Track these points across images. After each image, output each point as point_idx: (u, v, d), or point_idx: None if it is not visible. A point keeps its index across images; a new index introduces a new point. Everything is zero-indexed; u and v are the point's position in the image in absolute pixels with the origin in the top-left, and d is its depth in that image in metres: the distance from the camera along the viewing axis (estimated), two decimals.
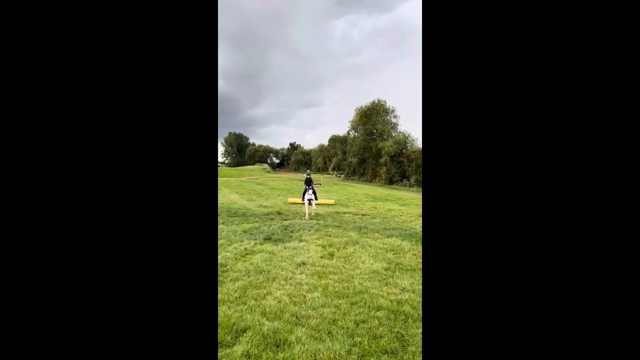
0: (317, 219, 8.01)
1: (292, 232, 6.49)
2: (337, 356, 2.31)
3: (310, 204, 8.61)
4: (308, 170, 10.76)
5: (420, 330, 2.68)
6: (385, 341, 2.51)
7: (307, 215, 8.37)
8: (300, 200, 12.86)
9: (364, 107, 31.88)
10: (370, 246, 5.39)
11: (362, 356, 2.32)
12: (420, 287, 3.68)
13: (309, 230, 6.63)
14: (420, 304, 3.18)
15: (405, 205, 11.38)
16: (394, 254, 5.02)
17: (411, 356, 2.32)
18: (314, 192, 8.85)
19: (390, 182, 26.45)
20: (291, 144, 69.22)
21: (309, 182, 9.26)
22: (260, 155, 69.37)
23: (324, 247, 5.30)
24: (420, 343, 2.49)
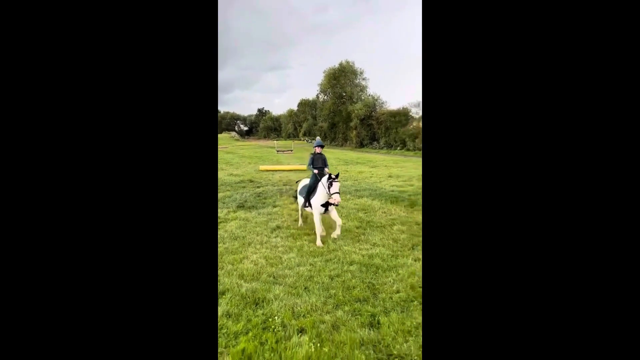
0: (290, 185, 7.99)
1: (265, 198, 6.50)
2: (314, 308, 2.46)
3: (327, 211, 4.11)
4: (318, 138, 4.99)
5: (389, 279, 2.91)
6: (358, 291, 2.71)
7: (318, 238, 3.95)
8: (274, 167, 10.74)
9: (332, 69, 30.99)
10: (343, 207, 5.56)
11: (336, 306, 2.50)
12: (390, 241, 3.93)
13: (281, 196, 6.68)
14: (390, 257, 3.42)
15: (375, 167, 11.69)
16: (365, 212, 5.25)
17: (381, 302, 2.53)
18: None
19: (361, 145, 26.80)
20: (259, 110, 66.78)
21: (321, 165, 4.51)
22: (227, 123, 66.46)
23: (297, 210, 5.39)
24: (389, 290, 2.71)
